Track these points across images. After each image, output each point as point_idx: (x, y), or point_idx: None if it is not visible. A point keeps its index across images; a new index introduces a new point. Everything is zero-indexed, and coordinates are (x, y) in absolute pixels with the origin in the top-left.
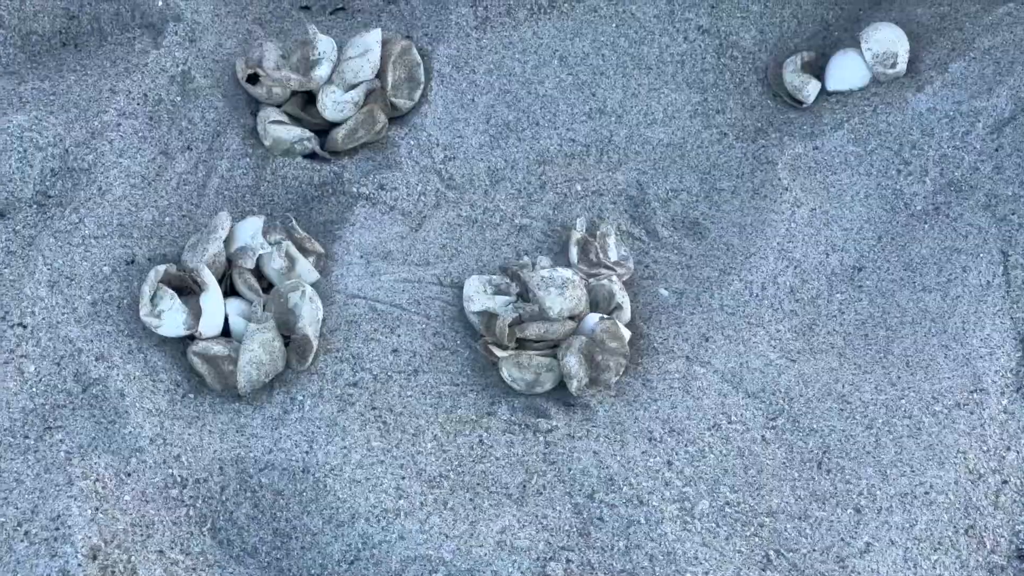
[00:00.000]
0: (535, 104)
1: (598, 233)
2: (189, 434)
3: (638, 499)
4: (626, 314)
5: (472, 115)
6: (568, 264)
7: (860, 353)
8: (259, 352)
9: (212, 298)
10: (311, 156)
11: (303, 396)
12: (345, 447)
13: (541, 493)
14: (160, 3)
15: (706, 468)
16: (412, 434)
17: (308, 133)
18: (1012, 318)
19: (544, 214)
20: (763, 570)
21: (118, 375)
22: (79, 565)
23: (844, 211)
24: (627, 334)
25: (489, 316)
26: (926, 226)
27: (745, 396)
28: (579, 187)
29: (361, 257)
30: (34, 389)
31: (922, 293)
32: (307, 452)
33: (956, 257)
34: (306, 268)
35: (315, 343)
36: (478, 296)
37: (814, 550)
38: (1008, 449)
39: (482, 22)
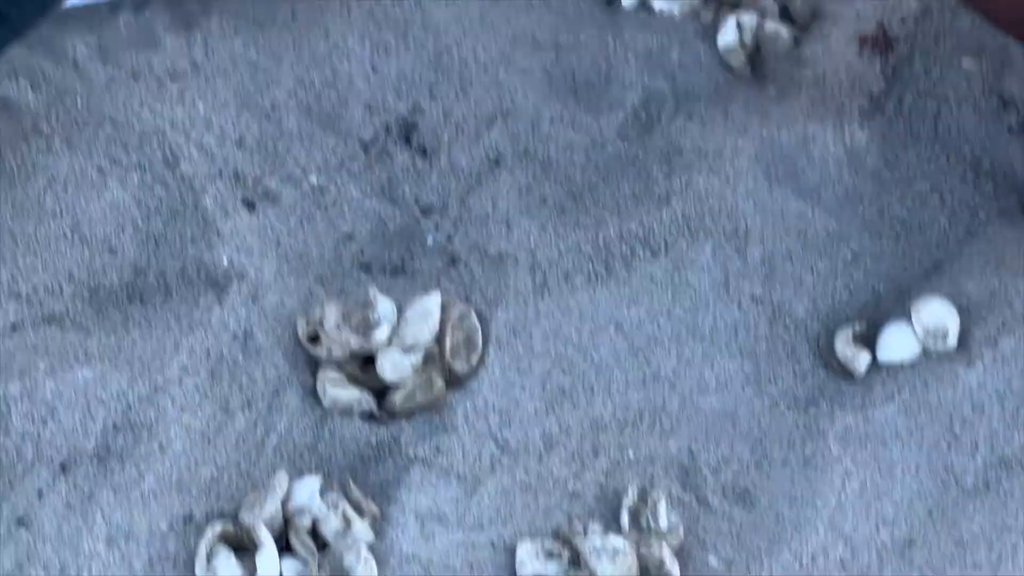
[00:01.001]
0: (590, 370)
1: (649, 500)
2: None
3: None
4: None
5: (528, 380)
6: (619, 530)
7: None
8: None
9: (267, 556)
10: (369, 417)
11: None
12: None
13: None
14: (225, 262)
15: None
16: None
17: (366, 394)
18: None
19: (596, 480)
20: None
21: None
22: None
23: (895, 485)
24: None
25: None
26: (977, 502)
27: None
28: (631, 454)
29: (416, 519)
30: None
31: (973, 570)
32: None
33: (1007, 535)
34: (362, 529)
35: None
36: (530, 561)
37: None
38: None
39: (540, 287)
